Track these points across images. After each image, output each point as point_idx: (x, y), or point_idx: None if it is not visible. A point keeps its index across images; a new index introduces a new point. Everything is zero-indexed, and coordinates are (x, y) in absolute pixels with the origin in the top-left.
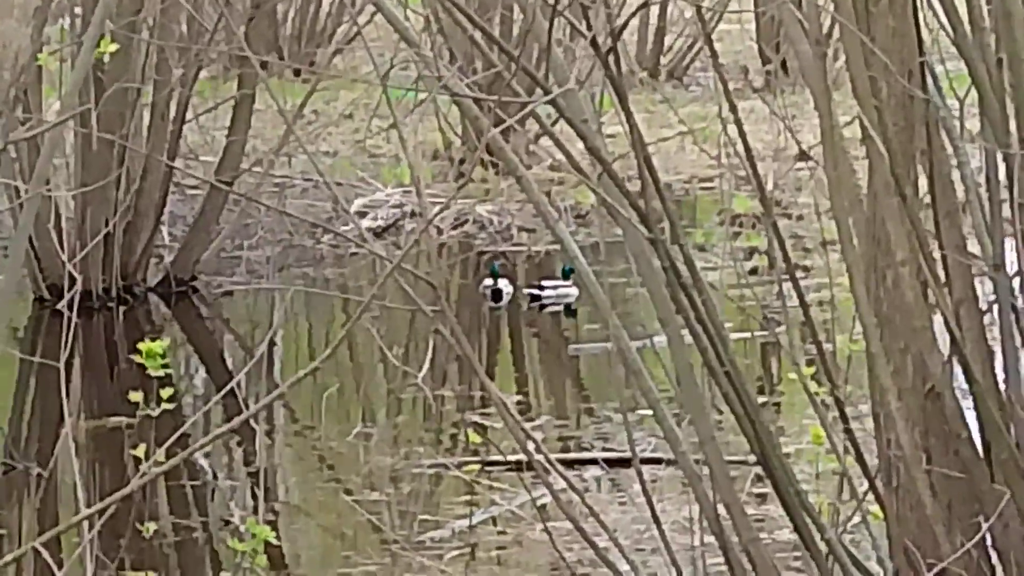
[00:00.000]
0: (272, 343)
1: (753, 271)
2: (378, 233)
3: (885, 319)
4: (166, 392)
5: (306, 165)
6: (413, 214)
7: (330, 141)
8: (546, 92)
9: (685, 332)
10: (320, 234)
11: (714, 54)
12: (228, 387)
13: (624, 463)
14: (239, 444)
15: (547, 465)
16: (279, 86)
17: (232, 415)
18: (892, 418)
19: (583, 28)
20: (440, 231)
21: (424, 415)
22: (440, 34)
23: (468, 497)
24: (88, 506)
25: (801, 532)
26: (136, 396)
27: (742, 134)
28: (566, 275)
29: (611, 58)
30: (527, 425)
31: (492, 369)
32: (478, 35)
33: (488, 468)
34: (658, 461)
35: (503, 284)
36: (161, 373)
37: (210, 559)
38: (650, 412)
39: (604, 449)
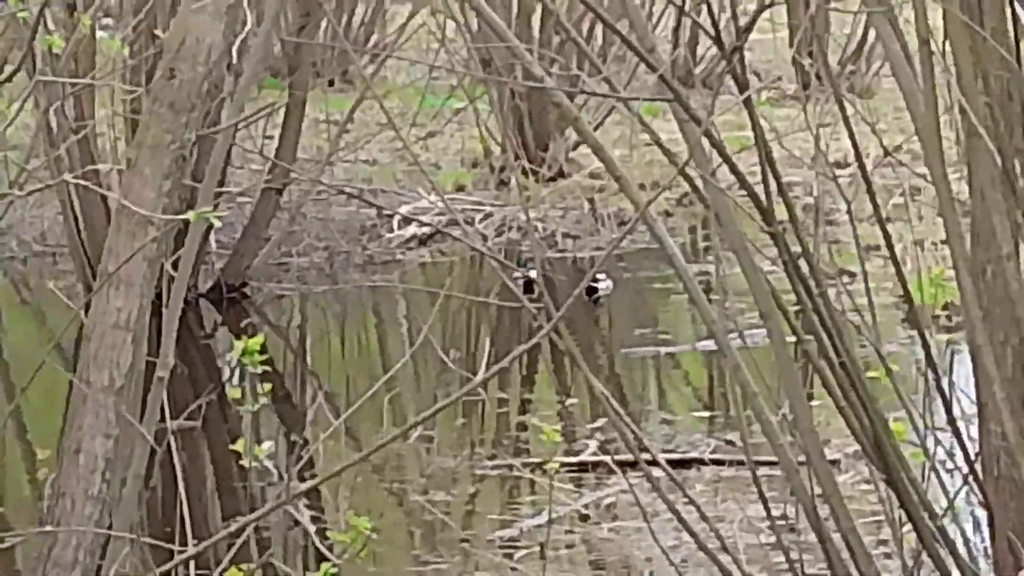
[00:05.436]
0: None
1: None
2: (423, 240)
3: (986, 312)
4: (267, 387)
5: (347, 173)
6: (454, 222)
7: (368, 150)
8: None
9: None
10: (366, 240)
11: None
12: (374, 389)
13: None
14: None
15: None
16: (317, 96)
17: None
18: (997, 408)
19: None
20: (485, 238)
21: (481, 418)
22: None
23: (533, 498)
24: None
25: (913, 519)
26: (235, 392)
27: (852, 138)
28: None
29: (736, 57)
30: (589, 427)
31: (535, 372)
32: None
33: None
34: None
35: (533, 275)
36: (259, 370)
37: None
38: (707, 414)
39: (665, 451)
